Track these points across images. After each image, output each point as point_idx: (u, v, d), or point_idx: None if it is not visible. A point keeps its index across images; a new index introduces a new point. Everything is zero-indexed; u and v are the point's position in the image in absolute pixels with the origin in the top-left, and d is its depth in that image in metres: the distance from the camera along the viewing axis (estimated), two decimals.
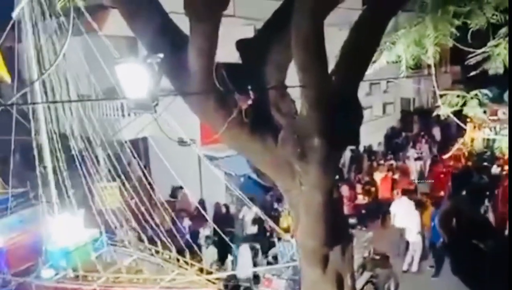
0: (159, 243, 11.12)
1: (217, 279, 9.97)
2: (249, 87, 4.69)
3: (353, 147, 16.93)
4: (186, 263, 10.63)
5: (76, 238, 10.96)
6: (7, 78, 11.53)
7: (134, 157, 12.31)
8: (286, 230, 12.02)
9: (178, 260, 10.78)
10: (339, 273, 5.37)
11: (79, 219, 11.27)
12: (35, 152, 11.25)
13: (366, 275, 10.91)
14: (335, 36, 5.36)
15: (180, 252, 11.00)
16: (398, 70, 6.66)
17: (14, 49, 11.72)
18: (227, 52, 4.89)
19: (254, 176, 13.83)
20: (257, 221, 13.34)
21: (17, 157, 15.44)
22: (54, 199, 11.24)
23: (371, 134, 19.91)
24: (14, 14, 9.80)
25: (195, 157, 14.11)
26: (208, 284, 9.74)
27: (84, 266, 10.59)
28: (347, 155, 18.63)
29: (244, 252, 11.70)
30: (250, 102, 4.74)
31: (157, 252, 11.18)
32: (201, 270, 10.44)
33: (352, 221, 13.16)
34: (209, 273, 10.27)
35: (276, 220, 12.96)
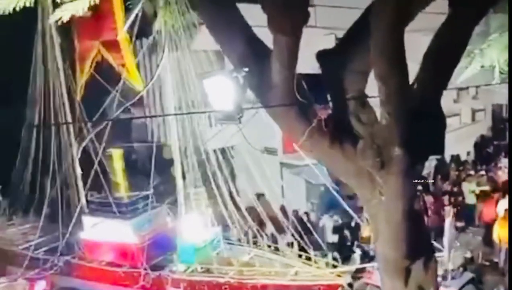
0: (279, 240, 11.78)
1: (343, 273, 10.23)
2: (329, 97, 4.79)
3: (437, 157, 16.23)
4: (308, 258, 11.01)
5: (204, 235, 11.89)
6: (139, 87, 12.48)
7: (220, 165, 12.88)
8: (367, 240, 11.86)
9: (300, 256, 11.25)
10: (422, 287, 5.25)
11: (207, 218, 12.22)
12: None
13: (467, 275, 10.51)
14: (419, 42, 5.28)
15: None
16: (489, 76, 6.40)
17: None
18: (307, 62, 5.03)
19: (334, 185, 13.77)
20: (337, 229, 13.25)
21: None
22: (181, 200, 12.16)
23: (459, 142, 18.92)
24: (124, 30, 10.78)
25: (277, 165, 14.36)
26: (335, 277, 10.12)
27: (208, 262, 11.46)
28: (432, 164, 17.88)
29: None
30: (330, 111, 4.84)
31: (276, 249, 11.75)
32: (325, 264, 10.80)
33: (460, 224, 12.55)
34: (334, 267, 10.55)
35: (356, 229, 12.80)
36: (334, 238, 13.37)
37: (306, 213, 14.90)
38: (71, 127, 13.46)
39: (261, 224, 12.80)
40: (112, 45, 11.52)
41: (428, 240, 5.73)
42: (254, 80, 4.76)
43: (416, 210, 5.06)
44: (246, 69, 4.63)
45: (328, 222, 13.59)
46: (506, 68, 6.24)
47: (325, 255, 11.32)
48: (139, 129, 18.60)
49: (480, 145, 22.19)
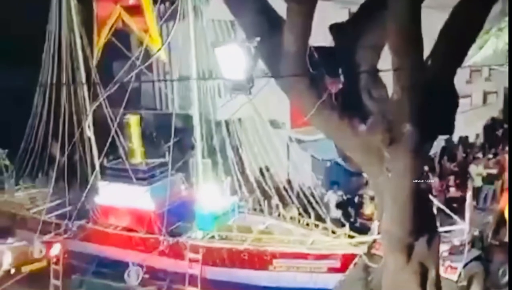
0: (294, 210, 11.96)
1: (361, 243, 10.33)
2: (340, 71, 4.75)
3: (446, 136, 16.14)
4: (326, 228, 11.13)
5: (222, 204, 12.02)
6: (164, 57, 12.31)
7: (230, 136, 12.90)
8: (370, 217, 11.93)
9: (316, 225, 11.35)
10: (423, 264, 5.30)
11: (226, 187, 12.34)
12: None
13: (474, 252, 10.62)
14: (434, 19, 5.19)
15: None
16: (503, 58, 6.30)
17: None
18: (321, 36, 4.97)
19: (340, 161, 13.79)
20: (341, 205, 13.33)
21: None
22: (200, 170, 12.16)
23: (469, 124, 18.75)
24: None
25: (284, 139, 14.34)
26: (353, 247, 10.26)
27: (225, 230, 11.59)
28: (439, 144, 17.78)
29: None
30: (340, 86, 4.80)
31: (291, 218, 11.88)
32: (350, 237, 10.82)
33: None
34: (351, 237, 10.66)
35: (360, 206, 12.88)
36: (337, 213, 13.47)
37: (310, 188, 14.99)
38: (85, 92, 13.40)
39: (266, 197, 12.90)
40: (135, 10, 11.25)
41: (432, 218, 5.76)
42: (266, 50, 4.72)
43: (422, 188, 5.06)
44: (258, 38, 4.59)
45: (332, 197, 13.67)
46: None
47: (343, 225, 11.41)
48: (147, 97, 18.58)
49: (490, 127, 21.99)
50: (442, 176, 15.61)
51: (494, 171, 15.68)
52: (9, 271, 11.37)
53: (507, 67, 7.24)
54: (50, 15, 13.55)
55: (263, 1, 4.96)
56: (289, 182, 14.50)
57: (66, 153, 12.81)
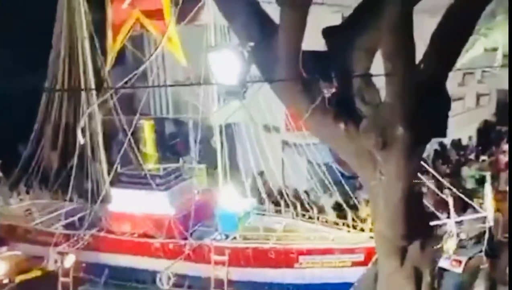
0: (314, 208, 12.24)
1: None
2: (333, 75, 4.76)
3: (439, 139, 16.22)
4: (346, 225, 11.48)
5: (243, 205, 12.35)
6: (183, 61, 12.22)
7: (222, 142, 12.89)
8: (365, 220, 11.98)
9: (336, 223, 11.74)
10: (417, 268, 5.31)
11: (245, 189, 12.72)
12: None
13: (478, 247, 10.75)
14: (426, 23, 5.22)
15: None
16: (493, 58, 6.34)
17: None
18: (314, 40, 4.98)
19: (335, 165, 13.84)
20: (336, 208, 13.36)
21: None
22: (221, 173, 12.50)
23: (462, 127, 18.86)
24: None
25: (279, 143, 14.36)
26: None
27: (246, 230, 11.85)
28: (432, 147, 17.87)
29: None
30: (334, 90, 4.81)
31: (310, 217, 12.17)
32: (361, 230, 11.26)
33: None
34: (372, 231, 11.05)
35: (355, 209, 12.90)
36: (333, 217, 13.47)
37: (306, 192, 14.99)
38: (94, 97, 13.09)
39: (260, 201, 12.95)
40: (155, 13, 11.15)
41: (426, 222, 5.77)
42: (260, 55, 4.73)
43: (415, 191, 5.08)
44: (252, 43, 4.60)
45: (327, 200, 13.67)
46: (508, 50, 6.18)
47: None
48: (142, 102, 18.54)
49: (484, 130, 22.13)
50: (435, 178, 15.66)
51: (488, 173, 15.73)
52: (1, 280, 11.19)
53: (499, 68, 7.28)
54: (59, 18, 13.30)
55: (256, 5, 4.98)
56: (284, 186, 14.50)
57: (75, 162, 12.62)
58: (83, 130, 12.69)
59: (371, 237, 10.31)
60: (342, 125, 4.91)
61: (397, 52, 4.21)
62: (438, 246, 10.20)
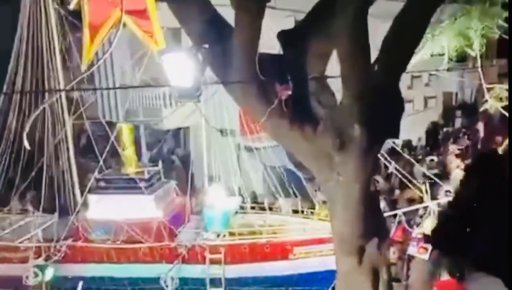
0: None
1: None
2: (289, 77, 4.77)
3: (393, 140, 16.72)
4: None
5: (230, 204, 12.45)
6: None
7: (175, 145, 12.73)
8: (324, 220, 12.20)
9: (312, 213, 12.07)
10: (375, 266, 5.40)
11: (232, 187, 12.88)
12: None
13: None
14: (378, 28, 5.34)
15: None
16: (440, 63, 6.56)
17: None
18: (267, 43, 4.98)
19: (292, 167, 13.98)
20: (293, 211, 13.48)
21: None
22: (206, 172, 12.66)
23: (412, 128, 19.53)
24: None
25: (234, 147, 14.34)
26: None
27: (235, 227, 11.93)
28: (384, 148, 18.37)
29: None
30: (290, 92, 4.82)
31: (295, 211, 12.37)
32: None
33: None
34: None
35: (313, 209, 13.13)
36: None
37: (262, 195, 15.03)
38: (63, 100, 12.28)
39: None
40: (140, 13, 10.65)
41: (382, 221, 5.88)
42: (215, 58, 4.67)
43: (371, 191, 5.16)
44: (206, 46, 4.53)
45: (284, 204, 13.76)
46: (454, 55, 6.43)
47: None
48: (91, 107, 18.02)
49: (431, 131, 23.03)
50: (388, 177, 16.10)
51: (437, 171, 16.37)
52: None
53: (445, 72, 7.61)
54: (20, 19, 12.48)
55: (211, 8, 4.92)
56: (240, 189, 14.49)
57: (44, 171, 11.98)
58: (27, 136, 12.01)
59: None
60: (299, 128, 4.93)
61: (353, 55, 4.27)
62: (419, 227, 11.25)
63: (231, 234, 11.72)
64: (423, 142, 22.02)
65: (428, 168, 16.36)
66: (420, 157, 18.08)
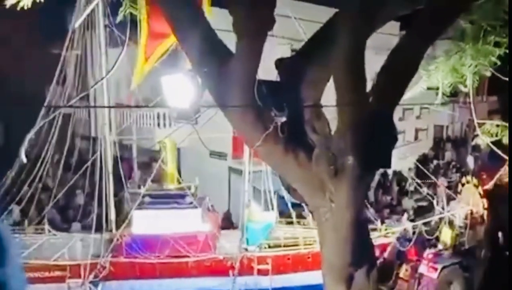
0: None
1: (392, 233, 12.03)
2: (285, 104, 4.85)
3: (383, 170, 16.88)
4: None
5: (270, 218, 12.87)
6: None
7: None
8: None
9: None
10: None
11: (274, 201, 13.23)
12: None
13: (454, 258, 12.09)
14: (371, 59, 5.47)
15: None
16: (432, 97, 6.68)
17: (61, 56, 12.22)
18: (264, 70, 5.07)
19: (284, 193, 14.02)
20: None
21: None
22: (246, 187, 13.16)
23: (402, 159, 19.72)
24: (76, 24, 10.19)
25: (225, 169, 14.37)
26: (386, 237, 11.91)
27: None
28: (375, 178, 18.49)
29: None
30: (285, 119, 4.90)
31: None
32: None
33: None
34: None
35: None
36: None
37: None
38: (106, 117, 12.21)
39: None
40: None
41: (371, 249, 5.90)
42: (213, 82, 4.74)
43: (362, 219, 5.19)
44: (206, 69, 4.61)
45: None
46: (448, 90, 6.57)
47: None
48: (83, 125, 17.96)
49: (422, 163, 23.20)
50: (377, 208, 16.17)
51: (424, 204, 16.48)
52: None
53: (438, 106, 7.78)
54: (72, 36, 12.31)
55: (211, 33, 5.01)
56: (229, 212, 14.48)
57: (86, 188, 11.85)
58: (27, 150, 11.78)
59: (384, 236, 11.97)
60: (293, 154, 4.98)
61: (349, 84, 4.37)
62: (434, 236, 12.41)
63: (276, 246, 12.23)
64: (413, 173, 22.17)
65: (417, 201, 16.51)
66: (410, 189, 18.19)
